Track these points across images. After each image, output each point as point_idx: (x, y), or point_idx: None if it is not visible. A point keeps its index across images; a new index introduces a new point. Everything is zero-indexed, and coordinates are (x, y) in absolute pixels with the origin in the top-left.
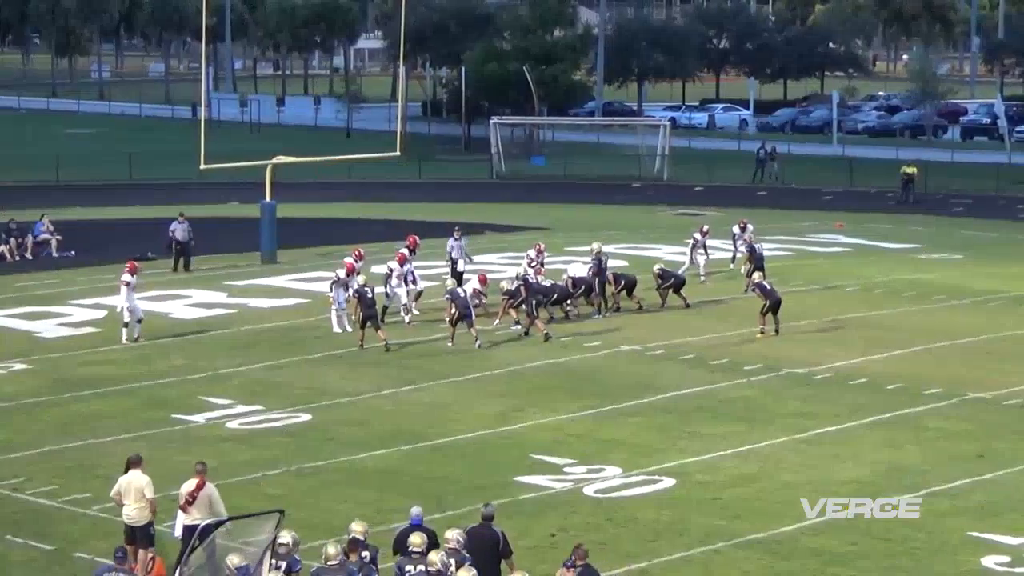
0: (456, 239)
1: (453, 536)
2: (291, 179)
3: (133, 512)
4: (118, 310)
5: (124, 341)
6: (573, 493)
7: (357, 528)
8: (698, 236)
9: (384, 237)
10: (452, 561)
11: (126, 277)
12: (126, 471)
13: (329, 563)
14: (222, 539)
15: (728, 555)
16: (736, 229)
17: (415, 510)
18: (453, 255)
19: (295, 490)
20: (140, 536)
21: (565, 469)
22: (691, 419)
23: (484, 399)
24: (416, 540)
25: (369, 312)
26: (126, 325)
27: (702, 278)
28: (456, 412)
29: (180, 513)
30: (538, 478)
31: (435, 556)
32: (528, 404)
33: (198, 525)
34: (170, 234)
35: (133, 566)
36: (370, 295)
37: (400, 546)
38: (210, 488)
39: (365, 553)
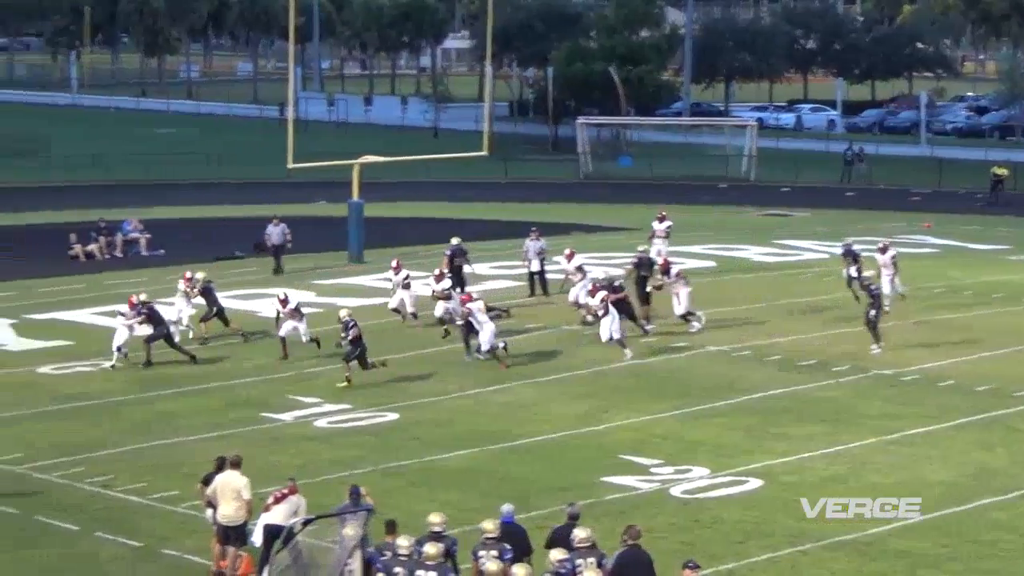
0: (533, 240)
1: (586, 535)
2: (378, 178)
3: (229, 511)
4: (177, 317)
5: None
6: (659, 494)
7: (435, 519)
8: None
9: (471, 236)
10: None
11: (183, 287)
12: (218, 471)
13: (399, 554)
14: (308, 538)
15: (815, 556)
16: (655, 223)
17: (506, 507)
18: (529, 255)
19: (379, 489)
20: (234, 536)
21: (652, 469)
22: (778, 420)
23: (568, 399)
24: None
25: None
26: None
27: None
28: (540, 412)
29: (261, 516)
30: (624, 478)
31: (556, 555)
32: (612, 404)
33: (279, 525)
34: (266, 237)
35: (222, 564)
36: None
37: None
38: (301, 499)
39: (442, 545)
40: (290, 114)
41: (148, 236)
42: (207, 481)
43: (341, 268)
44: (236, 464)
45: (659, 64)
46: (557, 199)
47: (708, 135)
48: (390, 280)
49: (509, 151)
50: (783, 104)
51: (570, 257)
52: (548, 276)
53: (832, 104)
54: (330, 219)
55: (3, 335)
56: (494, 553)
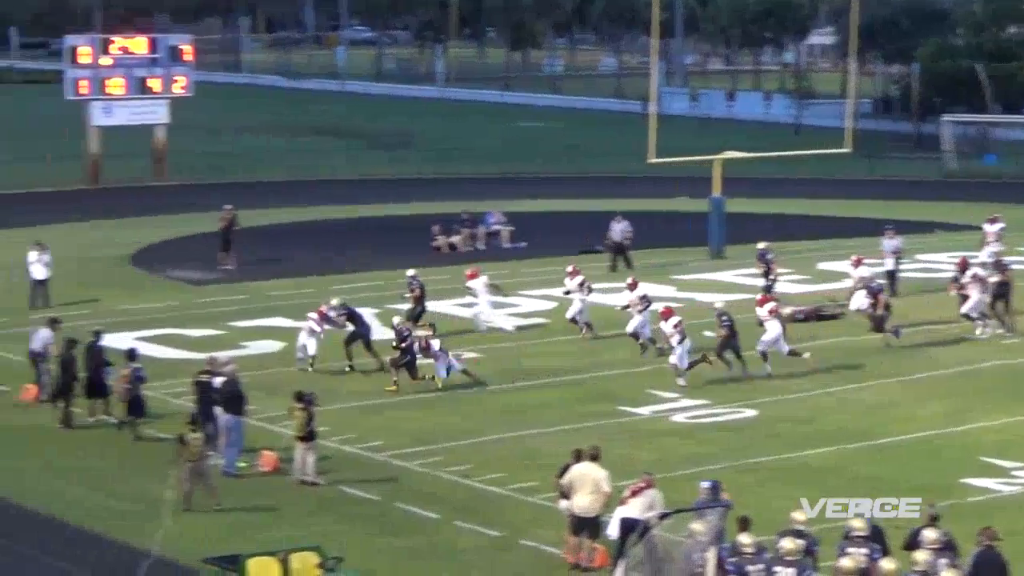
0: (889, 238)
1: (936, 536)
2: (739, 174)
3: (585, 503)
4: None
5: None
6: (1022, 497)
7: (799, 517)
8: None
9: (830, 234)
10: (941, 561)
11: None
12: (577, 461)
13: (744, 552)
14: (664, 532)
15: None
16: (986, 225)
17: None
18: (885, 254)
19: (733, 485)
20: (589, 527)
21: (1013, 472)
22: None
23: (930, 399)
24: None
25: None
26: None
27: None
28: (902, 412)
29: (617, 509)
30: (985, 480)
31: (921, 556)
32: (976, 405)
33: (635, 519)
34: (608, 233)
35: (580, 555)
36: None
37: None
38: (657, 493)
39: (802, 541)
40: (652, 109)
41: (511, 228)
42: (563, 472)
43: (701, 263)
44: (595, 456)
45: None
46: (920, 197)
47: None
48: (566, 286)
49: (873, 148)
50: None
51: (857, 264)
52: (899, 275)
53: None
54: (689, 214)
55: (370, 324)
56: (864, 551)
